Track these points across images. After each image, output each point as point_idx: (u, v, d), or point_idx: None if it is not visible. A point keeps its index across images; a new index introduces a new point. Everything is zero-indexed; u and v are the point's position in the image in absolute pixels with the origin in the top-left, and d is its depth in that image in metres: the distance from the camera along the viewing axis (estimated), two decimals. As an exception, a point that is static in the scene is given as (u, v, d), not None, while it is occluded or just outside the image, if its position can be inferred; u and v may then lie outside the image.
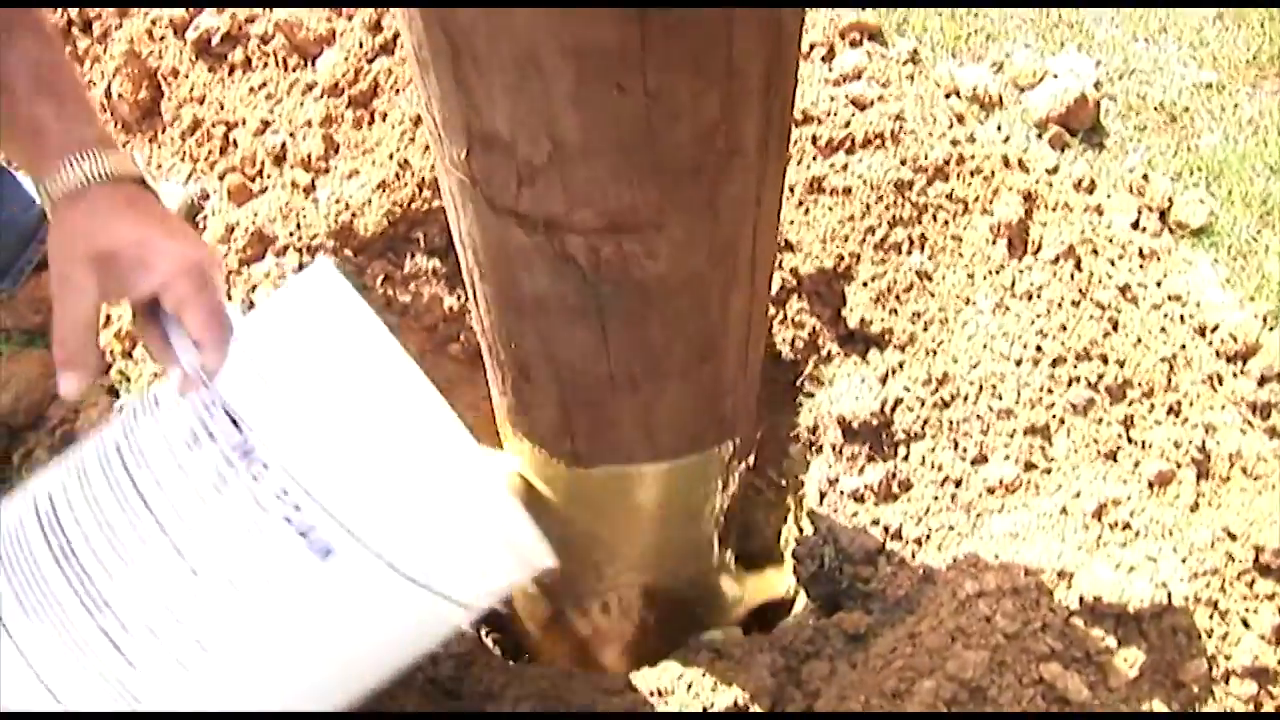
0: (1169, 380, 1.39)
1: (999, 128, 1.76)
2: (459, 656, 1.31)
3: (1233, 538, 1.26)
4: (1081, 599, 1.18)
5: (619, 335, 0.96)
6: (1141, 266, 1.52)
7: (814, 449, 1.62)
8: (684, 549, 1.36)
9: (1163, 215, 1.67)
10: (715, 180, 0.83)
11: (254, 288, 1.43)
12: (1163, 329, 1.44)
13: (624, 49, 0.70)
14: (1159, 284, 1.51)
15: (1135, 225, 1.62)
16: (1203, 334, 1.47)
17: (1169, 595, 1.17)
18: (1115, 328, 1.41)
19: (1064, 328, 1.40)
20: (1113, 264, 1.48)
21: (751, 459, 1.34)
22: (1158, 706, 1.20)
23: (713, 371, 1.06)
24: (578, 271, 0.89)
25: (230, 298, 1.45)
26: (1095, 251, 1.47)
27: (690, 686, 1.25)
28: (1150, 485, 1.32)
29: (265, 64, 1.71)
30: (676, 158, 0.80)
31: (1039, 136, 1.77)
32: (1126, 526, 1.25)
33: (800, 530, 1.73)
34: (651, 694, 1.28)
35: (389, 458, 0.84)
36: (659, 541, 1.32)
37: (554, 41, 0.70)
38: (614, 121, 0.75)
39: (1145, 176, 1.69)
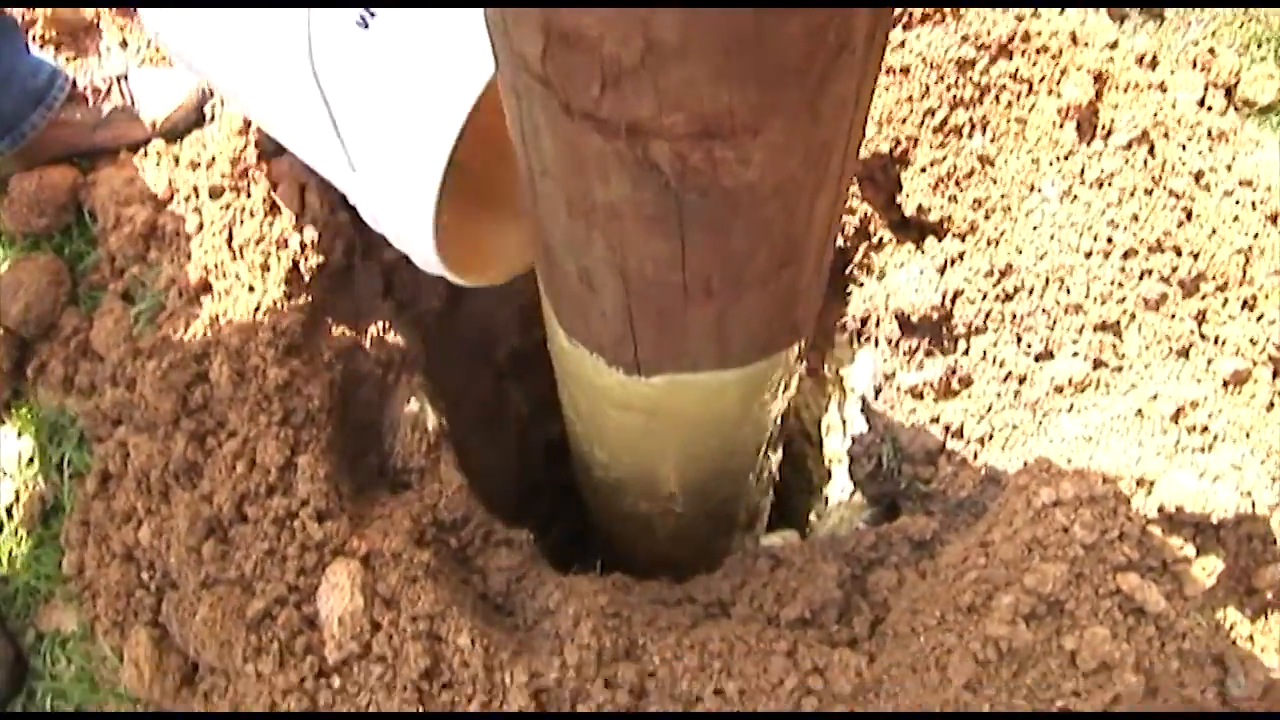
0: (1244, 273, 1.32)
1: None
2: (509, 570, 1.27)
3: (1313, 438, 1.21)
4: (1161, 508, 1.14)
5: (698, 244, 0.89)
6: (1211, 149, 1.43)
7: (862, 339, 1.56)
8: (739, 451, 1.31)
9: (1229, 92, 1.58)
10: (821, 79, 0.75)
11: (275, 185, 1.34)
12: (1236, 218, 1.36)
13: (741, -68, 0.61)
14: (1229, 168, 1.43)
15: (1201, 103, 1.53)
16: (1275, 221, 1.40)
17: (1253, 504, 1.13)
18: (1189, 217, 1.34)
19: (1136, 217, 1.33)
20: (1183, 148, 1.40)
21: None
22: (1231, 614, 1.17)
23: (790, 277, 0.99)
24: (660, 179, 0.81)
25: (250, 195, 1.36)
26: (1167, 135, 1.39)
27: (753, 598, 1.21)
28: (1225, 384, 1.27)
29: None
30: (784, 56, 0.71)
31: (1095, 9, 1.66)
32: (1205, 430, 1.20)
33: (844, 422, 1.68)
34: (711, 605, 1.24)
35: None
36: (715, 444, 1.27)
37: (661, -76, 0.61)
38: (720, 16, 0.67)
39: (1211, 50, 1.59)
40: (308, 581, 1.15)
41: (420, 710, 1.11)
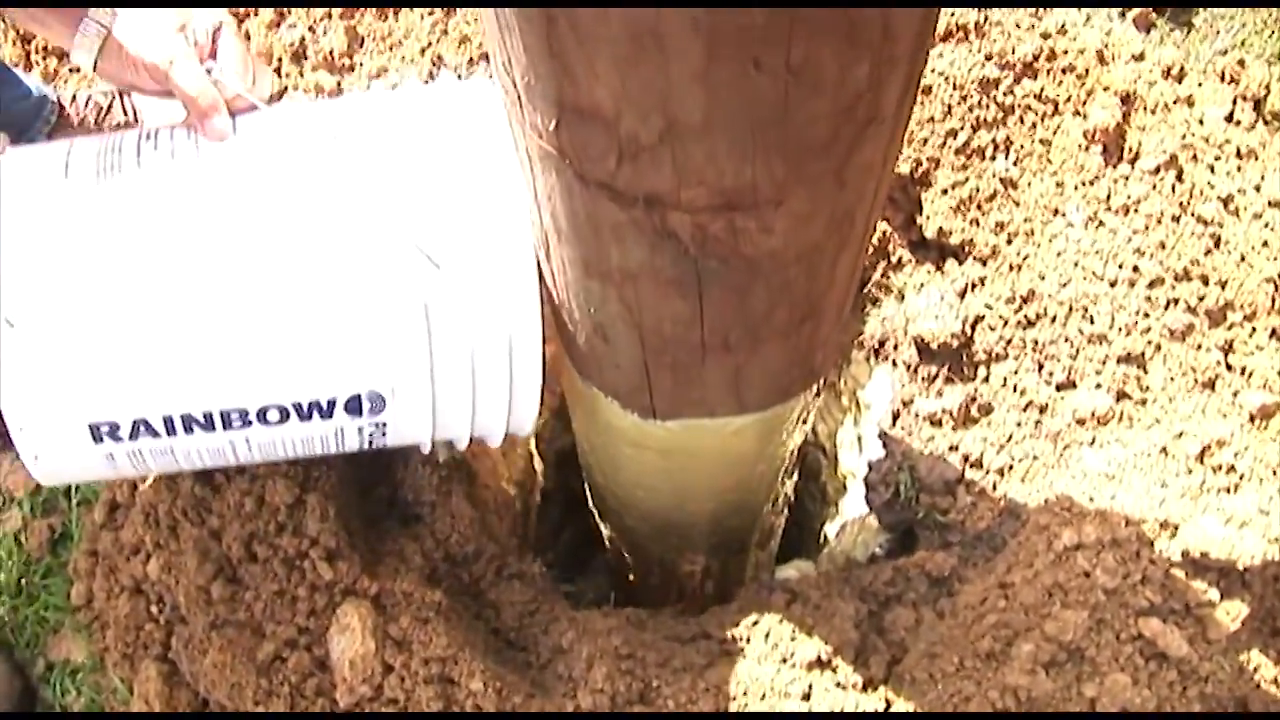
0: (1273, 302, 1.29)
1: (1079, 8, 1.61)
2: (521, 605, 1.25)
3: (1342, 477, 1.19)
4: (1186, 552, 1.12)
5: (717, 304, 0.86)
6: (1239, 169, 1.40)
7: (879, 357, 1.53)
8: (755, 485, 1.29)
9: (1258, 104, 1.54)
10: (848, 151, 0.72)
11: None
12: (1265, 243, 1.33)
13: (770, 22, 0.58)
14: (1258, 188, 1.40)
15: (1229, 118, 1.49)
16: (1305, 245, 1.37)
17: (1281, 549, 1.10)
18: (1217, 244, 1.31)
19: (1163, 245, 1.30)
20: (1211, 170, 1.36)
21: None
22: (1256, 657, 1.15)
23: (810, 330, 0.96)
24: (678, 247, 0.79)
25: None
26: (1195, 158, 1.36)
27: (768, 636, 1.19)
28: (1252, 418, 1.24)
29: (275, -56, 1.54)
30: (810, 132, 0.68)
31: (1122, 15, 1.62)
32: (1231, 469, 1.18)
33: (860, 439, 1.66)
34: (725, 641, 1.22)
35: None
36: (731, 481, 1.25)
37: (683, 16, 0.58)
38: (744, 99, 0.64)
39: (1241, 62, 1.55)
40: (318, 623, 1.13)
41: (432, 755, 1.10)
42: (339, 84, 1.42)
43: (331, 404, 1.00)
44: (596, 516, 1.49)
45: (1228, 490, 1.16)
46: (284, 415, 1.00)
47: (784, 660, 1.18)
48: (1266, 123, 1.54)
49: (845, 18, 0.59)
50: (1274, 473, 1.19)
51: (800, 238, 0.79)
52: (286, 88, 1.46)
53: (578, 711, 1.12)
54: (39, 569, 1.32)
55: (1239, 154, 1.41)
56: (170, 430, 0.96)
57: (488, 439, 1.13)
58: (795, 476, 1.53)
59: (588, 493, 1.46)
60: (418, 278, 0.97)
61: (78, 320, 0.90)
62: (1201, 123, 1.43)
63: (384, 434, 1.07)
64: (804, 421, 1.23)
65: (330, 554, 1.16)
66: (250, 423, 0.99)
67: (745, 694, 1.13)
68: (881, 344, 1.49)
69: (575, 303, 0.94)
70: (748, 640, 1.21)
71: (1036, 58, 1.38)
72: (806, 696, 1.13)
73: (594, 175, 0.74)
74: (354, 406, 1.01)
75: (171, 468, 1.03)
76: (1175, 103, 1.43)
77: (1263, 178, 1.41)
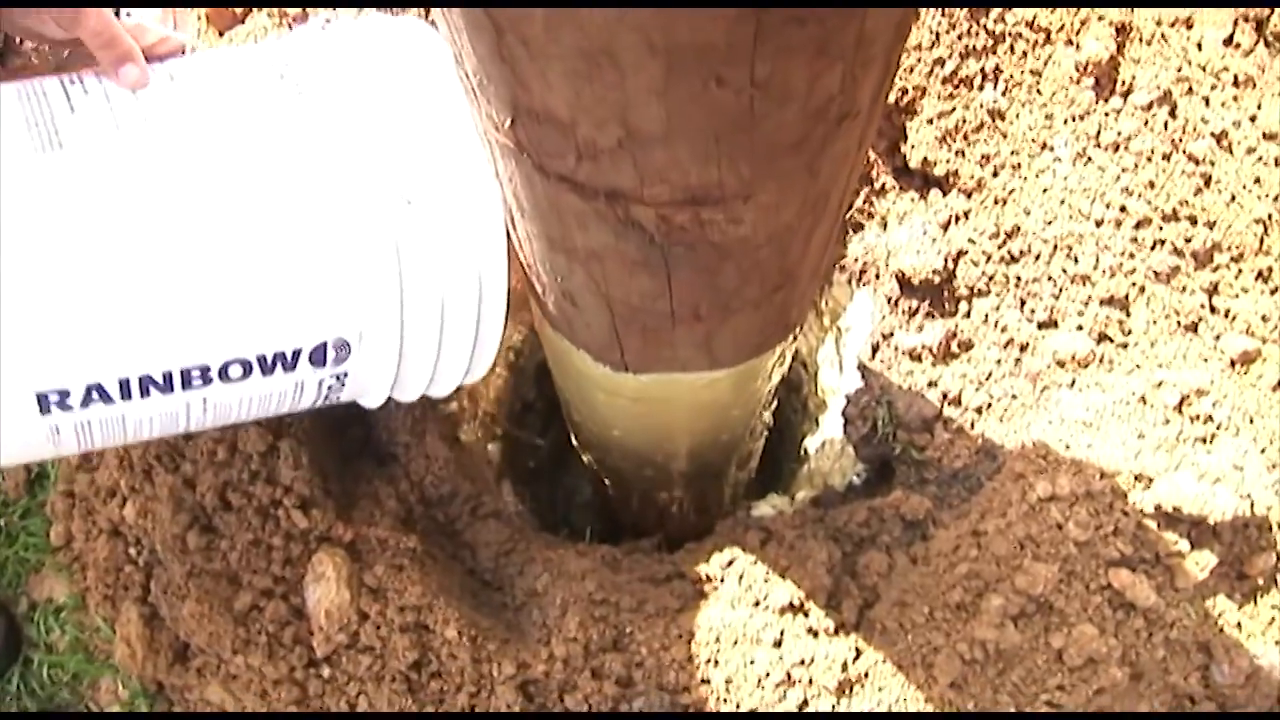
0: (1260, 243, 1.27)
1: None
2: (497, 545, 1.26)
3: (1318, 426, 1.19)
4: (1158, 506, 1.12)
5: (686, 282, 0.84)
6: (1236, 99, 1.36)
7: (860, 283, 1.51)
8: (732, 425, 1.29)
9: (1259, 26, 1.48)
10: (820, 146, 0.69)
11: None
12: (1257, 179, 1.30)
13: (731, 44, 0.55)
14: (1253, 119, 1.36)
15: (1229, 41, 1.44)
16: (1297, 179, 1.34)
17: (1252, 505, 1.11)
18: (1207, 183, 1.28)
19: (1152, 184, 1.27)
20: (1206, 103, 1.32)
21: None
22: (1221, 603, 1.17)
23: (785, 295, 0.94)
24: (643, 235, 0.76)
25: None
26: (1190, 90, 1.31)
27: (742, 578, 1.21)
28: (1233, 363, 1.23)
29: None
30: (779, 136, 0.65)
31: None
32: (1209, 419, 1.17)
33: (840, 359, 1.65)
34: (698, 581, 1.24)
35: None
36: (706, 424, 1.24)
37: (638, 39, 0.55)
38: (706, 111, 0.61)
39: (1245, -22, 1.49)
40: (294, 572, 1.14)
41: (410, 700, 1.12)
42: (304, 10, 1.36)
43: (296, 354, 0.97)
44: (576, 445, 1.49)
45: (1204, 441, 1.16)
46: (246, 370, 0.96)
47: (756, 604, 1.19)
48: (1268, 45, 1.48)
49: (814, 35, 0.56)
50: (1250, 421, 1.19)
51: (771, 224, 0.77)
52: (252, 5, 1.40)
53: (582, 713, 1.12)
54: (17, 509, 1.33)
55: (1236, 82, 1.37)
56: (125, 394, 0.91)
57: (439, 390, 1.11)
58: (775, 404, 1.52)
59: (567, 422, 1.46)
60: (387, 215, 0.94)
61: (25, 279, 0.83)
62: (1200, 47, 1.38)
63: (342, 385, 1.04)
64: (781, 365, 1.22)
65: (304, 502, 1.16)
66: (210, 380, 0.95)
67: (718, 640, 1.14)
68: (863, 271, 1.47)
69: (542, 269, 0.92)
70: (722, 581, 1.22)
71: (1030, -18, 1.32)
72: (778, 643, 1.14)
73: (554, 169, 0.71)
74: (319, 356, 0.98)
75: (116, 441, 0.98)
76: (1173, 25, 1.38)
77: (1259, 107, 1.37)
